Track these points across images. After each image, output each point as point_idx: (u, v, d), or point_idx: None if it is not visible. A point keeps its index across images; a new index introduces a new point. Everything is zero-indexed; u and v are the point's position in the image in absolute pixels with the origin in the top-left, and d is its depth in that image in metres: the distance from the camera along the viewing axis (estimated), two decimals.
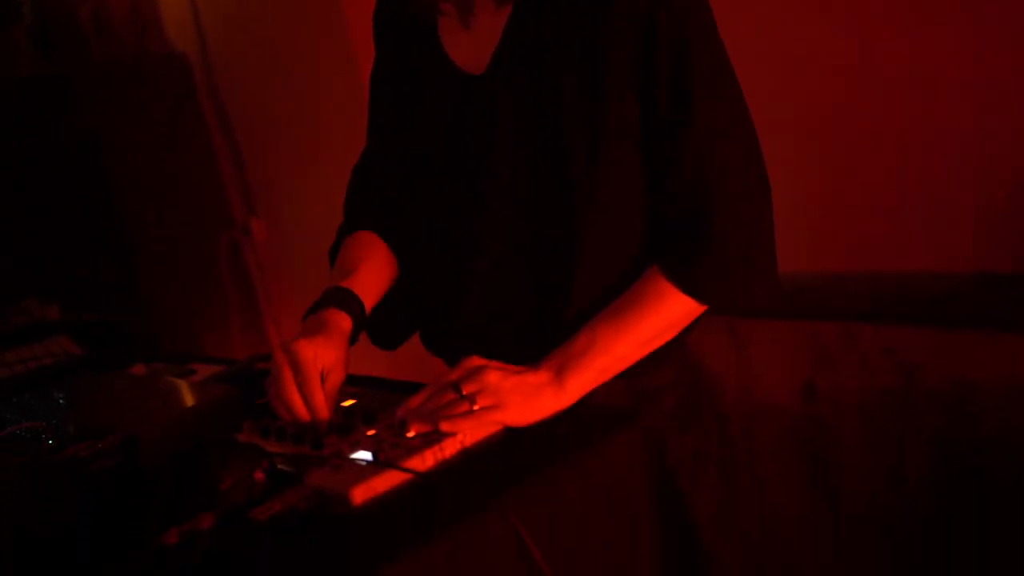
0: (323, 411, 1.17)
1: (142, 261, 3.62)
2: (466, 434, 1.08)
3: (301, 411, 1.17)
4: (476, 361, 1.17)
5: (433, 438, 1.07)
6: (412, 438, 1.08)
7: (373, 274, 1.40)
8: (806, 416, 2.12)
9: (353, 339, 1.32)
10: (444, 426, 1.09)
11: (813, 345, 2.09)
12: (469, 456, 1.08)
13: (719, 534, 1.15)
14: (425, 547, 0.91)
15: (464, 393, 1.12)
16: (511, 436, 1.12)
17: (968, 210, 1.85)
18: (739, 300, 1.24)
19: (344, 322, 1.29)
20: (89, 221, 3.53)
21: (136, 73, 3.45)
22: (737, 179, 1.21)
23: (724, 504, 1.34)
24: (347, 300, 1.32)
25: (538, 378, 1.16)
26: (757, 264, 1.23)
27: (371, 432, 1.13)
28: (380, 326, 1.44)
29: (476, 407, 1.11)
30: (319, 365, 1.18)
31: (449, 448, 1.07)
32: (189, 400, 1.33)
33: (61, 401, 1.54)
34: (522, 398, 1.13)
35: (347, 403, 1.20)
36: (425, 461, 1.04)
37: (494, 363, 1.17)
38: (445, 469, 1.05)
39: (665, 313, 1.22)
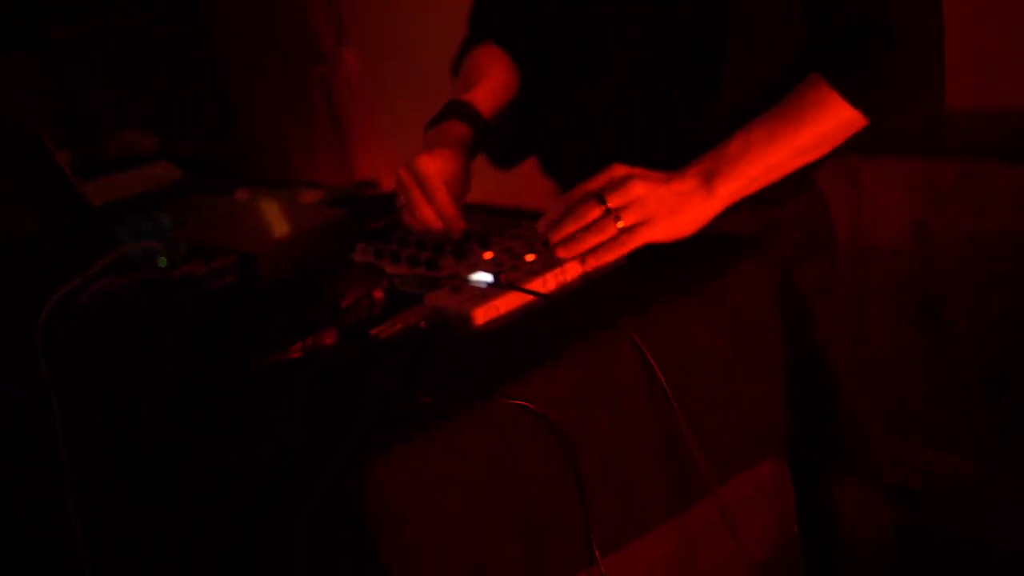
0: (457, 219, 1.15)
1: (236, 94, 3.61)
2: (587, 258, 1.05)
3: (434, 222, 1.16)
4: (621, 170, 1.08)
5: (553, 260, 1.04)
6: (532, 261, 1.06)
7: (494, 88, 1.34)
8: (917, 256, 2.05)
9: (474, 152, 1.29)
10: (591, 260, 1.05)
11: (927, 184, 2.00)
12: (592, 280, 1.05)
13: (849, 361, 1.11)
14: (548, 367, 0.90)
15: (610, 207, 1.06)
16: (636, 261, 1.08)
17: None
18: (905, 115, 1.16)
19: (464, 133, 1.25)
20: (184, 55, 3.51)
21: None
22: None
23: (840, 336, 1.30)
24: (467, 112, 1.28)
25: (686, 184, 1.09)
26: (928, 78, 1.14)
27: (488, 255, 1.11)
28: (497, 143, 1.40)
29: (621, 224, 1.05)
30: (443, 177, 1.16)
31: (571, 271, 1.04)
32: (301, 221, 1.32)
33: (167, 223, 1.55)
34: (670, 211, 1.06)
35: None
36: (547, 284, 1.02)
37: (639, 171, 1.09)
38: (567, 293, 1.03)
39: (826, 123, 1.13)
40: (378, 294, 1.03)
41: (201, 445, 0.95)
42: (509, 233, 1.16)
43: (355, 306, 1.01)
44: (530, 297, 1.00)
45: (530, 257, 1.07)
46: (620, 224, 1.05)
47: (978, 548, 1.98)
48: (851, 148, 2.04)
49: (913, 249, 2.04)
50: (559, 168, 1.38)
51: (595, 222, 1.05)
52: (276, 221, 1.37)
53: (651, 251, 1.08)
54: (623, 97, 1.24)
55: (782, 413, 1.09)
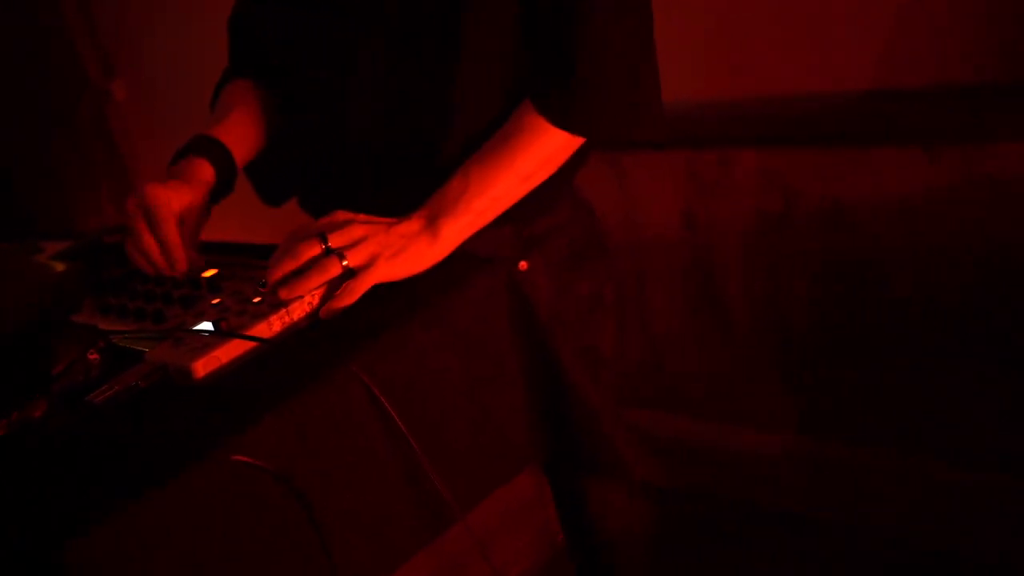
0: (179, 252, 1.11)
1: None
2: (314, 295, 1.03)
3: (157, 257, 1.11)
4: (343, 215, 1.08)
5: (279, 302, 1.02)
6: (258, 303, 1.03)
7: (245, 123, 1.30)
8: (689, 244, 2.12)
9: (223, 189, 1.25)
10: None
11: (691, 173, 2.07)
12: (318, 318, 1.03)
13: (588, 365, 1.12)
14: (273, 415, 0.87)
15: (332, 247, 1.04)
16: (368, 292, 1.06)
17: (849, 27, 1.82)
18: (613, 132, 1.18)
19: (203, 169, 1.21)
20: None
21: None
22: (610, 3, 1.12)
23: (616, 336, 1.33)
24: (210, 148, 1.23)
25: (410, 228, 1.08)
26: (632, 93, 1.15)
27: (215, 301, 1.06)
28: (264, 178, 1.36)
29: (346, 263, 1.03)
30: (172, 209, 1.11)
31: (297, 311, 1.01)
32: (25, 279, 1.25)
33: None
34: (395, 251, 1.05)
35: (208, 273, 1.13)
36: (272, 327, 0.99)
37: (362, 216, 1.08)
38: (293, 333, 1.00)
39: (539, 147, 1.14)
40: (93, 356, 0.97)
41: None
42: (240, 275, 1.13)
43: (68, 371, 0.95)
44: (253, 343, 0.96)
45: (257, 299, 1.04)
46: (346, 263, 1.03)
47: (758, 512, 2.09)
48: (616, 147, 2.11)
49: (683, 236, 2.12)
50: (313, 204, 1.35)
51: (315, 260, 1.03)
52: (2, 282, 1.29)
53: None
54: (363, 130, 1.22)
55: (530, 426, 1.09)
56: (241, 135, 1.29)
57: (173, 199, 1.13)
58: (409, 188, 1.14)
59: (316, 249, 1.03)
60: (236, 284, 1.10)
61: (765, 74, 1.96)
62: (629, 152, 2.12)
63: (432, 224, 1.09)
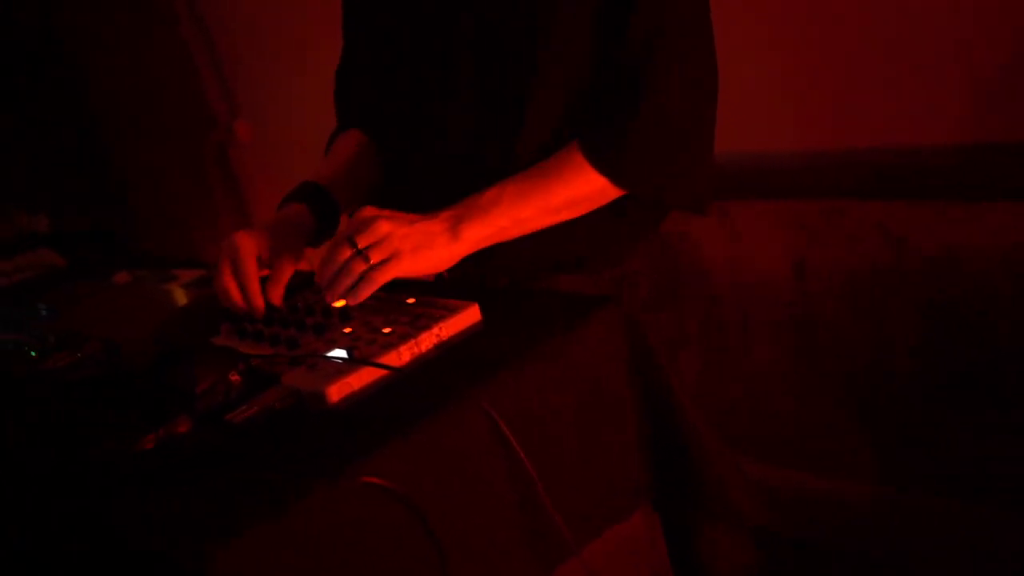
0: (257, 298, 1.17)
1: (128, 168, 3.58)
2: (442, 327, 1.07)
3: (235, 298, 1.17)
4: (370, 211, 1.14)
5: (408, 333, 1.06)
6: (388, 334, 1.07)
7: (352, 169, 1.38)
8: (795, 291, 2.11)
9: (326, 232, 1.31)
10: (349, 300, 1.09)
11: (801, 223, 2.07)
12: (446, 349, 1.07)
13: (698, 407, 1.14)
14: (401, 441, 0.91)
15: (360, 247, 1.10)
16: (490, 326, 1.10)
17: (954, 80, 1.81)
18: (655, 191, 1.20)
19: (302, 215, 1.28)
20: (73, 132, 3.47)
21: None
22: (680, 62, 1.17)
23: (704, 374, 1.34)
24: (312, 194, 1.31)
25: (433, 226, 1.14)
26: (684, 157, 1.18)
27: (347, 330, 1.12)
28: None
29: (371, 261, 1.09)
30: (256, 253, 1.18)
31: (425, 342, 1.06)
32: (169, 305, 1.32)
33: (44, 312, 1.53)
34: (414, 247, 1.11)
35: (339, 303, 1.19)
36: (401, 356, 1.04)
37: (387, 212, 1.14)
38: (421, 363, 1.05)
39: (577, 186, 1.18)
40: (234, 377, 1.03)
41: (31, 539, 0.94)
42: (369, 305, 1.18)
43: (210, 391, 1.01)
44: (386, 372, 1.01)
45: (387, 330, 1.08)
46: (370, 262, 1.09)
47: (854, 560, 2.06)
48: (724, 192, 2.12)
49: (789, 283, 2.11)
50: None
51: (346, 263, 1.10)
52: (144, 307, 1.37)
53: (504, 314, 1.11)
54: (452, 155, 1.28)
55: (643, 465, 1.11)
56: (344, 181, 1.37)
57: (257, 246, 1.20)
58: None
59: (347, 253, 1.10)
60: (365, 314, 1.15)
61: (876, 124, 1.95)
62: (737, 198, 2.13)
63: (456, 226, 1.15)
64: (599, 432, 1.07)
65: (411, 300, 1.16)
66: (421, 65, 1.29)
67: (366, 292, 1.09)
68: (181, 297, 1.34)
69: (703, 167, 1.21)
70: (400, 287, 1.17)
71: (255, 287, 1.17)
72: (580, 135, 1.19)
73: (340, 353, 1.04)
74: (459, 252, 1.15)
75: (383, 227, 1.11)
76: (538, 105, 1.20)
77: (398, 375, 1.01)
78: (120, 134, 3.37)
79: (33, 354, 1.30)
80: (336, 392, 0.98)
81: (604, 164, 1.17)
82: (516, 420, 0.97)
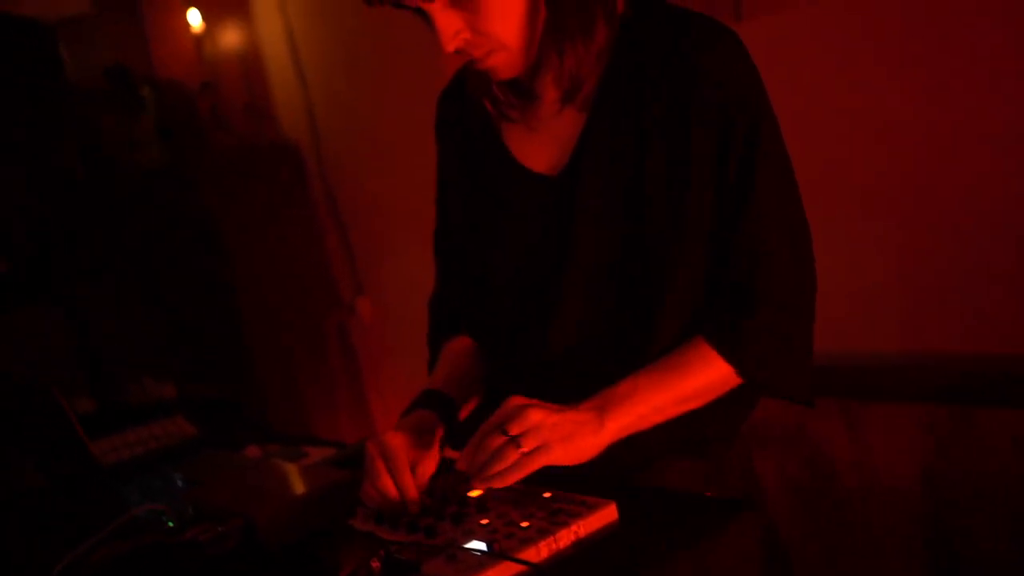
0: (412, 492, 1.21)
1: (254, 341, 3.72)
2: (580, 525, 1.08)
3: (394, 497, 1.21)
4: (517, 400, 1.18)
5: (546, 528, 1.07)
6: (526, 528, 1.08)
7: (454, 374, 1.46)
8: (926, 498, 2.05)
9: (451, 432, 1.38)
10: (497, 483, 1.11)
11: (929, 427, 2.03)
12: (584, 547, 1.07)
13: None
14: None
15: (511, 435, 1.13)
16: (625, 526, 1.11)
17: None
18: (770, 376, 1.26)
19: (432, 421, 1.35)
20: (204, 302, 3.64)
21: (250, 161, 3.59)
22: (789, 261, 1.26)
23: None
24: (438, 402, 1.39)
25: (579, 416, 1.17)
26: (796, 349, 1.26)
27: (484, 521, 1.13)
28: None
29: (523, 449, 1.12)
30: (407, 454, 1.24)
31: (563, 539, 1.06)
32: (303, 484, 1.35)
33: (180, 483, 1.59)
34: (564, 436, 1.14)
35: (475, 493, 1.22)
36: (540, 552, 1.04)
37: (536, 401, 1.18)
38: (558, 560, 1.05)
39: (704, 376, 1.24)
40: (375, 564, 1.05)
41: None
42: (505, 496, 1.19)
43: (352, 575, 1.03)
44: (523, 567, 1.01)
45: (525, 523, 1.09)
46: (522, 450, 1.12)
47: None
48: (848, 394, 2.10)
49: (918, 489, 2.05)
50: None
51: (498, 449, 1.13)
52: (280, 483, 1.40)
53: (641, 514, 1.12)
54: (569, 352, 1.32)
55: None
56: (456, 384, 1.45)
57: (408, 447, 1.27)
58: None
59: (499, 440, 1.13)
60: (501, 506, 1.16)
61: (1006, 330, 1.93)
62: (861, 400, 2.11)
63: (601, 415, 1.18)
64: None
65: (547, 494, 1.17)
66: (532, 279, 1.37)
67: (516, 477, 1.11)
68: (312, 476, 1.37)
69: (809, 353, 1.29)
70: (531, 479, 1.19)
71: (409, 481, 1.21)
72: (704, 327, 1.26)
73: (480, 545, 1.05)
74: (604, 441, 1.18)
75: (534, 416, 1.14)
76: (669, 315, 1.28)
77: (536, 572, 1.01)
78: (252, 308, 3.53)
79: (171, 524, 1.34)
80: None
81: (730, 352, 1.24)
82: None
